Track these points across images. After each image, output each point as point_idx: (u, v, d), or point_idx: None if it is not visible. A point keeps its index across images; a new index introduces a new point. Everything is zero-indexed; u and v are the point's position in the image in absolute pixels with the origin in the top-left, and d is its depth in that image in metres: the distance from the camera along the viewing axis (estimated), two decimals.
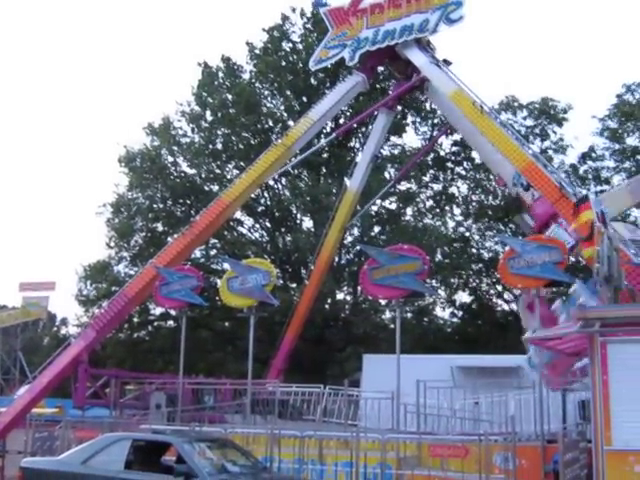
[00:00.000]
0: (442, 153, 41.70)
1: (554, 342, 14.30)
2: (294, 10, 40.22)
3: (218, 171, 40.12)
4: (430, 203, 42.67)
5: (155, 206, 39.39)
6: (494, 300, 42.35)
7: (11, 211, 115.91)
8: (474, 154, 40.99)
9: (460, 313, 43.24)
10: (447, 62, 24.41)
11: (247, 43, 40.72)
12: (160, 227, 39.71)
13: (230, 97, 39.43)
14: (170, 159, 40.04)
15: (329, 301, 37.40)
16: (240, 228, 40.86)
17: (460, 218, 42.74)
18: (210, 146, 39.97)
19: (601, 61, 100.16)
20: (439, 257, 39.42)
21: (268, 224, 40.85)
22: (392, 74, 29.17)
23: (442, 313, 43.63)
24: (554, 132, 40.80)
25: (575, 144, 40.86)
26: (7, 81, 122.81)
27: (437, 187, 42.63)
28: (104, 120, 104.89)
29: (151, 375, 26.80)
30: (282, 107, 40.70)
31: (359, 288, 35.54)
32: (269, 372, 28.15)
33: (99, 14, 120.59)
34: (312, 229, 38.48)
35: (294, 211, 40.00)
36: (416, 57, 24.47)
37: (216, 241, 38.77)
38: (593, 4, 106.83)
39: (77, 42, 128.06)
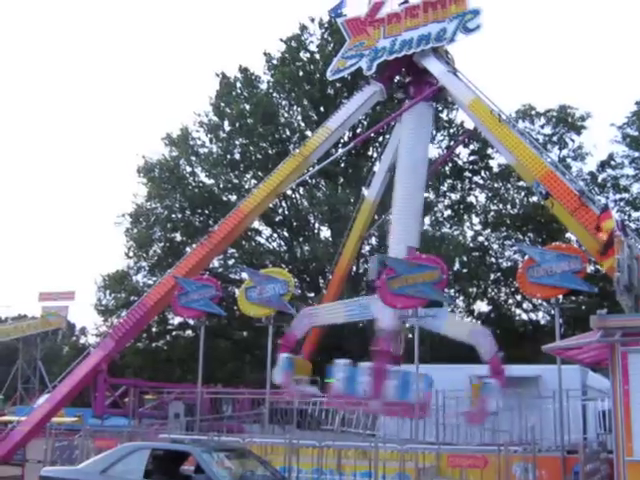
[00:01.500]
0: (460, 162, 41.57)
1: (573, 352, 14.20)
2: (313, 20, 40.37)
3: (236, 181, 40.24)
4: (448, 212, 42.53)
5: (173, 216, 39.55)
6: (513, 310, 42.05)
7: (31, 221, 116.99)
8: (492, 163, 40.94)
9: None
10: (455, 74, 24.39)
11: (265, 53, 40.92)
12: (178, 237, 39.86)
13: (248, 107, 39.57)
14: (188, 169, 40.24)
15: None
16: (258, 238, 40.94)
17: (478, 227, 42.55)
18: (228, 156, 40.12)
19: (620, 68, 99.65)
20: (457, 266, 39.21)
21: (286, 234, 40.89)
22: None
23: None
24: (572, 140, 40.56)
25: (594, 152, 40.62)
26: (30, 93, 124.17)
27: (455, 196, 42.48)
28: (123, 131, 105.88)
29: (170, 384, 26.90)
30: (299, 117, 40.80)
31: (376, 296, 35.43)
32: None
33: (119, 26, 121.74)
34: (330, 239, 38.46)
35: (312, 221, 40.02)
36: (433, 66, 24.44)
37: (234, 251, 38.85)
38: (611, 12, 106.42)
39: (97, 54, 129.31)
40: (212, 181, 40.10)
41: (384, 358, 20.62)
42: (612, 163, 40.14)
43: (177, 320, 37.83)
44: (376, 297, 22.04)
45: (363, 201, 29.86)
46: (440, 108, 40.36)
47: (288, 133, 40.15)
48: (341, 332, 35.85)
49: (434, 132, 41.37)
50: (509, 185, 41.08)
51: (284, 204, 40.01)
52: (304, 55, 40.49)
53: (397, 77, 26.93)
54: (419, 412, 17.94)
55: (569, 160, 40.09)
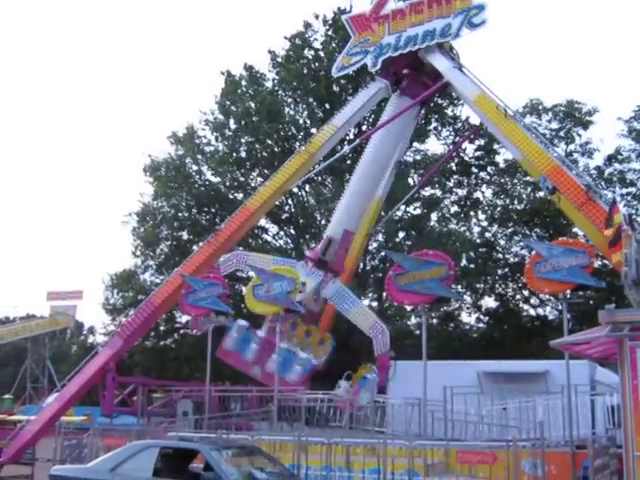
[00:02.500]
0: (466, 158, 41.49)
1: (582, 347, 14.16)
2: (317, 17, 40.33)
3: (242, 179, 40.27)
4: (455, 208, 42.45)
5: (180, 215, 39.61)
6: (520, 305, 41.98)
7: (39, 221, 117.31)
8: (498, 158, 40.84)
9: (486, 318, 42.91)
10: (461, 69, 24.40)
11: (269, 51, 40.93)
12: (185, 235, 39.93)
13: (253, 105, 39.58)
14: (194, 168, 40.27)
15: None
16: (265, 235, 40.98)
17: (485, 223, 42.47)
18: (234, 154, 40.14)
19: (627, 62, 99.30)
20: (464, 262, 39.18)
21: (292, 231, 40.90)
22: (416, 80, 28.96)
23: (468, 319, 43.38)
24: (579, 135, 40.45)
25: (601, 146, 40.51)
26: (37, 92, 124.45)
27: (461, 192, 42.41)
28: (129, 130, 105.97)
29: (178, 383, 26.90)
30: (305, 114, 40.78)
31: (384, 294, 35.45)
32: None
33: (125, 25, 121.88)
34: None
35: (318, 218, 39.99)
36: (438, 62, 24.37)
37: (241, 249, 38.82)
38: (618, 6, 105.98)
39: (103, 53, 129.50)
40: (218, 179, 40.14)
41: (273, 336, 22.00)
42: (619, 157, 40.00)
43: (185, 318, 37.84)
44: (303, 263, 24.37)
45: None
46: (445, 104, 40.33)
47: (294, 131, 40.14)
48: (347, 328, 35.91)
49: (440, 128, 41.54)
50: (515, 180, 41.00)
51: (290, 201, 40.01)
52: (309, 53, 40.48)
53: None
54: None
55: (576, 155, 40.01)
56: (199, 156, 40.22)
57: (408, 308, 31.96)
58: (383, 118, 26.55)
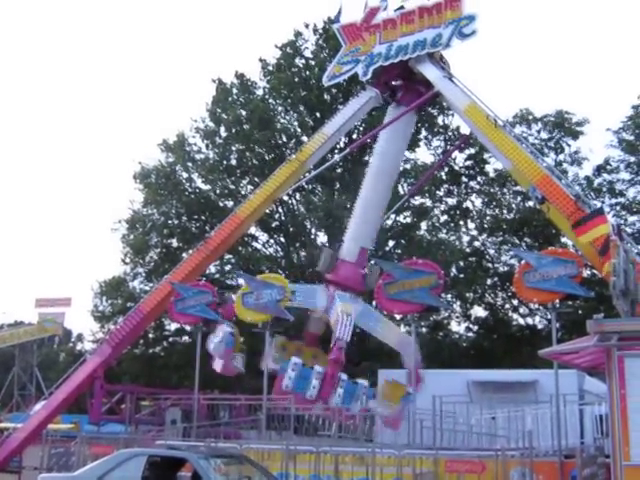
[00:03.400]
0: (456, 167, 41.61)
1: (570, 356, 14.20)
2: (307, 26, 40.41)
3: (232, 187, 40.23)
4: (444, 217, 42.50)
5: (170, 222, 39.51)
6: (510, 314, 42.07)
7: (28, 228, 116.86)
8: (488, 168, 40.97)
9: (475, 327, 42.99)
10: (451, 79, 24.51)
11: (260, 59, 40.97)
12: (175, 243, 39.81)
13: (244, 113, 39.58)
14: (185, 175, 40.19)
15: None
16: (255, 243, 40.88)
17: (475, 232, 42.58)
18: (224, 162, 40.10)
19: (616, 73, 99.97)
20: (454, 271, 39.23)
21: (282, 239, 40.86)
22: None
23: (457, 328, 43.41)
24: (568, 145, 40.63)
25: (590, 156, 40.70)
26: (26, 99, 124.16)
27: (451, 201, 42.50)
28: (119, 137, 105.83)
29: (166, 391, 26.81)
30: (296, 123, 40.80)
31: (374, 303, 35.45)
32: None
33: (115, 32, 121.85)
34: (327, 244, 38.45)
35: (308, 226, 39.99)
36: (429, 72, 24.47)
37: (231, 256, 38.81)
38: (607, 17, 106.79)
39: (93, 59, 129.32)
40: (208, 187, 40.08)
41: (337, 366, 21.22)
42: (608, 167, 40.22)
43: (174, 326, 37.78)
44: (324, 287, 22.61)
45: None
46: (436, 113, 40.46)
47: (284, 139, 40.15)
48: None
49: (430, 137, 41.66)
50: (505, 190, 41.13)
51: (280, 210, 39.99)
52: (299, 61, 40.54)
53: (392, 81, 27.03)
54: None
55: (565, 165, 40.18)
56: (189, 164, 40.16)
57: (398, 317, 31.89)
58: (380, 132, 26.54)
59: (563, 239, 34.12)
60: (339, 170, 39.31)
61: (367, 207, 25.34)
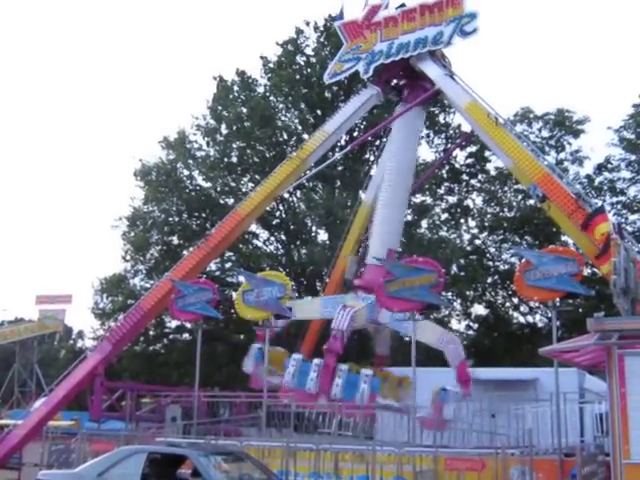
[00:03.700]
0: (457, 165, 41.61)
1: (570, 355, 14.22)
2: (308, 24, 40.42)
3: (233, 184, 40.20)
4: (445, 216, 42.54)
5: (171, 219, 39.50)
6: (510, 312, 42.07)
7: (28, 224, 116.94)
8: (489, 166, 40.96)
9: (476, 326, 43.00)
10: (452, 77, 24.49)
11: (261, 57, 40.98)
12: (176, 240, 39.81)
13: (245, 111, 39.57)
14: (185, 172, 40.19)
15: None
16: (255, 241, 40.90)
17: (475, 230, 42.58)
18: (225, 159, 40.09)
19: (618, 71, 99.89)
20: (454, 270, 39.22)
21: (283, 237, 40.87)
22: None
23: (458, 326, 43.38)
24: (569, 143, 40.62)
25: (591, 155, 40.71)
26: (26, 96, 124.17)
27: (452, 199, 42.52)
28: (120, 134, 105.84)
29: (167, 388, 26.82)
30: (297, 120, 40.80)
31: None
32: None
33: (116, 29, 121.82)
34: (327, 242, 38.44)
35: (309, 224, 39.99)
36: (430, 70, 24.49)
37: (231, 254, 38.80)
38: (609, 15, 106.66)
39: (94, 57, 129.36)
40: (209, 184, 40.06)
41: (332, 355, 21.18)
42: (609, 166, 40.21)
43: (174, 323, 37.76)
44: (352, 296, 22.57)
45: (360, 204, 29.86)
46: (437, 111, 40.44)
47: (285, 136, 40.15)
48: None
49: (431, 135, 41.64)
50: (506, 188, 41.12)
51: (281, 207, 40.00)
52: (300, 59, 40.55)
53: (394, 80, 27.04)
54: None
55: (567, 163, 40.17)
56: (190, 161, 40.14)
57: None
58: (393, 131, 26.53)
59: (564, 237, 34.12)
60: (340, 168, 39.29)
61: (389, 208, 25.33)
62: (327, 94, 39.36)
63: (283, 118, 40.77)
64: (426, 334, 22.07)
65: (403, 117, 25.73)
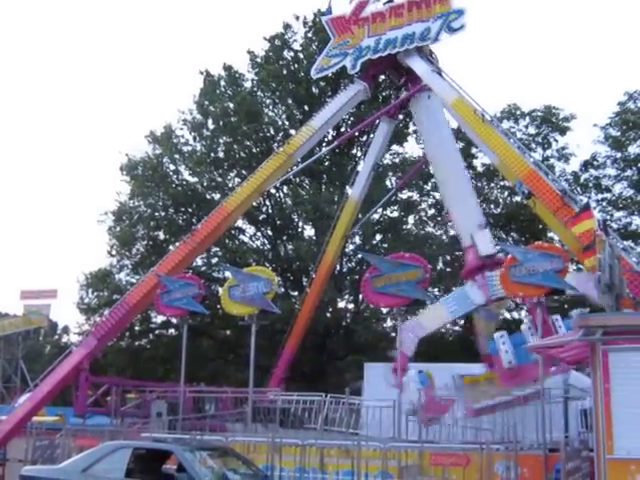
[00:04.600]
0: None
1: (555, 350, 14.27)
2: (297, 18, 40.32)
3: (220, 179, 40.15)
4: (432, 211, 42.63)
5: (157, 214, 39.41)
6: None
7: (12, 218, 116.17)
8: (476, 162, 41.03)
9: (462, 322, 43.08)
10: (439, 73, 24.47)
11: (249, 52, 40.85)
12: (162, 235, 39.72)
13: (232, 105, 39.48)
14: (172, 167, 40.10)
15: (330, 309, 37.34)
16: (242, 236, 40.87)
17: None
18: (212, 154, 40.02)
19: (604, 69, 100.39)
20: (440, 265, 39.36)
21: (270, 232, 40.86)
22: (393, 83, 29.41)
23: None
24: (556, 140, 40.76)
25: (577, 152, 40.86)
26: (10, 88, 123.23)
27: (438, 195, 42.55)
28: (106, 128, 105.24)
29: (152, 383, 26.76)
30: (284, 115, 40.77)
31: (360, 296, 35.55)
32: (270, 380, 28.11)
33: (101, 22, 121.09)
34: (313, 237, 38.48)
35: (295, 219, 40.01)
36: (417, 66, 24.51)
37: (218, 249, 38.76)
38: (595, 13, 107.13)
39: (79, 50, 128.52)
40: (196, 179, 39.99)
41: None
42: (595, 163, 40.39)
43: (160, 319, 37.69)
44: (470, 285, 22.06)
45: (347, 200, 29.92)
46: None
47: (272, 132, 40.10)
48: (324, 330, 35.96)
49: (419, 131, 41.64)
50: (492, 184, 41.21)
51: (268, 202, 39.97)
52: (288, 54, 40.46)
53: (400, 79, 26.93)
54: None
55: (553, 160, 40.31)
56: (177, 156, 40.05)
57: (384, 310, 32.00)
58: (420, 120, 26.70)
59: (549, 234, 34.26)
60: (327, 163, 39.31)
61: (454, 195, 25.05)
62: (314, 89, 39.33)
63: (270, 113, 40.73)
64: None
65: (419, 107, 25.74)
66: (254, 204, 33.29)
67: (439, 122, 25.86)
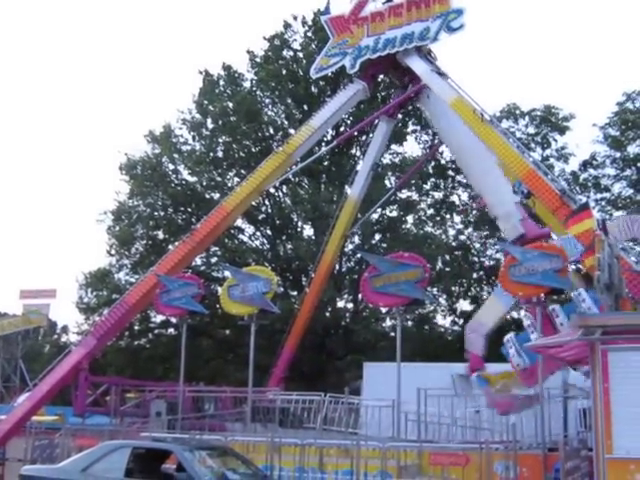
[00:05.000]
0: (443, 161, 41.69)
1: (555, 350, 14.27)
2: (296, 18, 40.32)
3: (219, 179, 40.15)
4: (431, 211, 42.66)
5: (156, 214, 39.40)
6: None
7: (12, 218, 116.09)
8: None
9: (461, 321, 43.10)
10: (442, 74, 24.44)
11: (248, 51, 40.85)
12: (161, 235, 39.71)
13: (231, 105, 39.47)
14: (171, 167, 40.09)
15: (330, 309, 37.36)
16: (241, 236, 40.87)
17: (461, 226, 42.70)
18: (211, 154, 40.01)
19: (603, 69, 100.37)
20: (440, 265, 39.38)
21: (269, 232, 40.86)
22: (392, 82, 29.43)
23: (443, 321, 43.55)
24: (555, 140, 40.80)
25: (576, 152, 40.94)
26: (10, 88, 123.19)
27: (438, 195, 42.63)
28: (105, 128, 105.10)
29: (151, 383, 26.77)
30: (283, 115, 40.77)
31: (360, 296, 35.53)
32: (270, 380, 28.12)
33: (101, 22, 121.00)
34: (313, 237, 38.48)
35: (295, 219, 40.00)
36: (416, 65, 24.52)
37: (217, 249, 38.76)
38: (595, 13, 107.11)
39: (79, 50, 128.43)
40: (195, 179, 39.98)
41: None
42: (594, 163, 40.45)
43: (159, 318, 37.66)
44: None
45: (346, 199, 29.92)
46: (423, 107, 40.50)
47: (271, 131, 40.10)
48: (323, 330, 35.98)
49: (418, 131, 41.72)
50: None
51: (267, 202, 39.97)
52: (287, 53, 40.47)
53: (405, 79, 26.90)
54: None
55: (552, 160, 40.37)
56: (176, 155, 40.04)
57: (383, 310, 31.97)
58: (440, 115, 26.36)
59: None
60: (326, 163, 39.31)
61: (485, 181, 24.85)
62: (313, 89, 39.34)
63: (269, 113, 40.73)
64: None
65: (433, 104, 25.69)
66: (253, 204, 33.29)
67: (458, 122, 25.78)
